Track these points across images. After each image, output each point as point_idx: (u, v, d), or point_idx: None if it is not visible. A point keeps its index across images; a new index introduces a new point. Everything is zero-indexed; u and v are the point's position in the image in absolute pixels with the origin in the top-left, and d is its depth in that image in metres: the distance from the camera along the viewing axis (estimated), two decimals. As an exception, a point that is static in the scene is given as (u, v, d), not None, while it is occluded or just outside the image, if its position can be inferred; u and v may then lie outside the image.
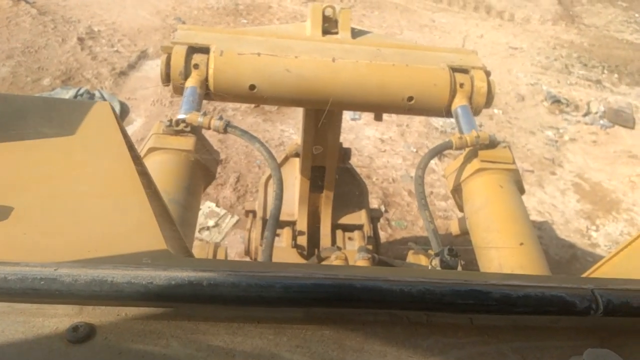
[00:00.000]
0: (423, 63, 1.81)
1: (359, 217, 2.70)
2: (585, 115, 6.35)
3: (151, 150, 1.57)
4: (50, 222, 0.83)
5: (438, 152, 1.75)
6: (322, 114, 2.08)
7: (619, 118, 6.19)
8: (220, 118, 1.61)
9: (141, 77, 6.11)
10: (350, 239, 2.67)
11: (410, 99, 1.76)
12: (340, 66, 1.74)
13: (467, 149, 1.73)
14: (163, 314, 0.63)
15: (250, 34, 1.90)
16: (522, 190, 1.70)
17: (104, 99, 5.43)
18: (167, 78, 1.75)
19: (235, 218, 4.40)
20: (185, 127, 1.61)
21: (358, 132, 5.63)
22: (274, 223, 1.47)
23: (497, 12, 9.16)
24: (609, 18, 9.48)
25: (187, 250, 1.15)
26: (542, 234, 4.48)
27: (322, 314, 0.65)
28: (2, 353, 0.58)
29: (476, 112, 1.84)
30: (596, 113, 6.34)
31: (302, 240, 2.59)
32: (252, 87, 1.71)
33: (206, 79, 1.72)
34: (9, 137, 0.93)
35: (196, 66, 1.72)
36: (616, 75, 7.33)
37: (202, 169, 1.66)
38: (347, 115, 5.55)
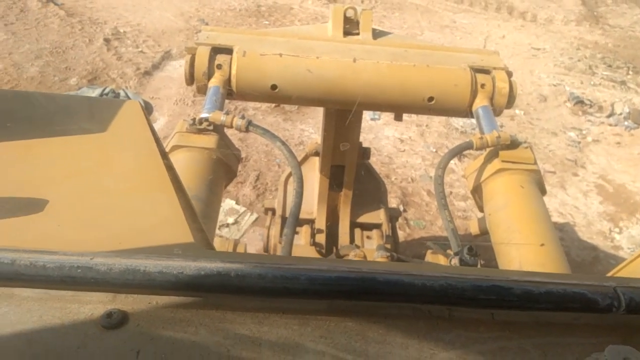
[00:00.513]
0: (444, 63, 1.81)
1: (378, 216, 2.69)
2: (609, 116, 6.24)
3: (175, 148, 1.61)
4: (83, 215, 0.87)
5: (458, 152, 1.74)
6: (343, 114, 2.09)
7: (644, 119, 6.06)
8: (243, 117, 1.63)
9: (165, 77, 6.21)
10: (368, 237, 2.67)
11: (431, 99, 1.76)
12: (361, 67, 1.75)
13: (488, 149, 1.72)
14: (192, 303, 0.66)
15: (272, 35, 1.92)
16: (543, 191, 1.69)
17: (129, 98, 5.53)
18: (190, 78, 1.78)
19: (255, 216, 4.44)
20: (208, 125, 1.64)
21: (377, 132, 5.62)
22: (294, 220, 1.48)
23: (519, 12, 9.05)
24: (635, 19, 9.28)
25: (209, 244, 1.17)
26: (564, 236, 4.41)
27: (346, 306, 0.67)
28: (40, 337, 0.61)
29: (497, 112, 1.83)
30: (620, 114, 6.22)
31: (321, 238, 2.60)
32: (274, 87, 1.73)
33: (229, 79, 1.74)
34: (55, 132, 0.97)
35: (219, 66, 1.74)
36: (642, 76, 7.18)
37: (223, 167, 1.69)
38: (366, 115, 5.55)
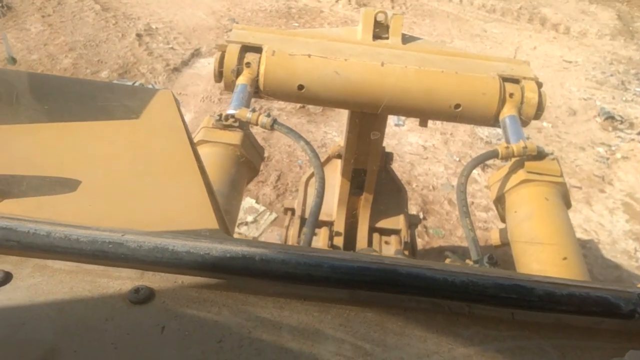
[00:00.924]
0: (473, 71, 1.79)
1: (397, 221, 2.67)
2: (640, 133, 6.11)
3: (200, 142, 1.63)
4: (114, 196, 0.89)
5: (483, 160, 1.71)
6: (368, 117, 2.08)
7: (677, 139, 5.90)
8: (268, 115, 1.65)
9: (193, 74, 6.30)
10: (386, 243, 2.65)
11: (458, 106, 1.74)
12: (388, 71, 1.75)
13: (513, 159, 1.69)
14: (216, 284, 0.67)
15: (302, 35, 1.94)
16: (568, 205, 1.65)
17: (157, 93, 5.63)
18: (219, 75, 1.80)
19: (274, 215, 4.47)
20: (234, 122, 1.66)
21: (401, 138, 5.61)
22: (314, 220, 1.48)
23: (552, 24, 8.92)
24: (672, 35, 9.06)
25: (229, 234, 1.20)
26: (587, 253, 4.33)
27: (366, 296, 0.67)
28: (70, 308, 0.64)
29: (525, 123, 1.81)
30: (652, 132, 6.08)
31: (339, 241, 2.60)
32: (301, 87, 1.74)
33: (257, 78, 1.76)
34: (97, 108, 1.00)
35: (248, 65, 1.77)
36: (676, 94, 7.00)
37: (247, 164, 1.70)
38: (390, 120, 5.52)
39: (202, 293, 0.66)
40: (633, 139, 6.02)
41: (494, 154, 1.66)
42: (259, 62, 1.76)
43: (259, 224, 4.47)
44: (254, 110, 1.65)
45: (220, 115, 1.67)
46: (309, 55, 1.75)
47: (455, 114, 1.76)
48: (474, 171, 1.71)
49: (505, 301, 0.64)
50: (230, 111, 1.66)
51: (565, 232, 1.52)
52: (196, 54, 6.70)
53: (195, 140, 1.65)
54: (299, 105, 5.93)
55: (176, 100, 1.14)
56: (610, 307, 0.63)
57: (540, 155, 1.66)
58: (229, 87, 1.80)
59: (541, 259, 1.45)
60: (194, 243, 0.66)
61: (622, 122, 6.26)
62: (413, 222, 2.82)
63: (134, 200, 0.89)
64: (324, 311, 0.66)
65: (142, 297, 0.64)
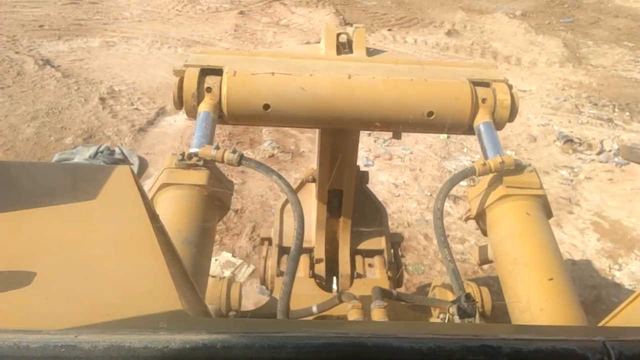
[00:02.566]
0: (442, 77, 1.76)
1: (379, 242, 2.56)
2: (599, 153, 6.33)
3: (163, 186, 1.54)
4: (71, 287, 0.86)
5: (460, 179, 1.65)
6: (339, 135, 2.01)
7: (633, 155, 6.14)
8: (234, 151, 1.55)
9: (159, 132, 6.30)
10: (370, 265, 2.54)
11: (431, 114, 1.70)
12: (356, 83, 1.69)
13: (492, 174, 1.65)
14: None
15: (264, 55, 1.88)
16: (549, 215, 1.63)
17: (124, 155, 5.59)
18: (180, 101, 1.71)
19: (252, 268, 4.40)
20: (198, 160, 1.57)
21: (371, 178, 5.62)
22: (294, 266, 1.41)
23: (503, 57, 9.34)
24: (616, 58, 9.59)
25: (202, 305, 1.16)
26: (564, 277, 4.38)
27: None
28: None
29: (499, 126, 1.79)
30: (610, 151, 6.31)
31: (320, 269, 2.47)
32: (267, 106, 1.66)
33: (219, 102, 1.68)
34: (50, 193, 0.98)
35: (209, 89, 1.67)
36: (627, 113, 7.34)
37: (216, 203, 1.62)
38: (360, 161, 5.60)
39: None
40: (593, 160, 6.24)
41: (471, 172, 1.61)
42: (220, 85, 1.66)
43: (237, 277, 4.39)
44: (218, 147, 1.56)
45: (183, 155, 1.57)
46: (273, 74, 1.67)
47: (428, 122, 1.72)
48: (446, 204, 1.69)
49: (474, 363, 0.63)
50: (193, 149, 1.56)
51: (549, 249, 1.49)
52: (161, 112, 6.73)
53: (158, 184, 1.55)
54: (267, 154, 5.97)
55: (134, 175, 1.12)
56: (577, 359, 0.63)
57: (518, 168, 1.63)
58: (191, 114, 1.71)
59: (527, 280, 1.42)
60: (151, 337, 0.63)
61: (580, 144, 6.50)
62: (395, 241, 2.73)
63: (92, 288, 0.86)
64: None
65: None
